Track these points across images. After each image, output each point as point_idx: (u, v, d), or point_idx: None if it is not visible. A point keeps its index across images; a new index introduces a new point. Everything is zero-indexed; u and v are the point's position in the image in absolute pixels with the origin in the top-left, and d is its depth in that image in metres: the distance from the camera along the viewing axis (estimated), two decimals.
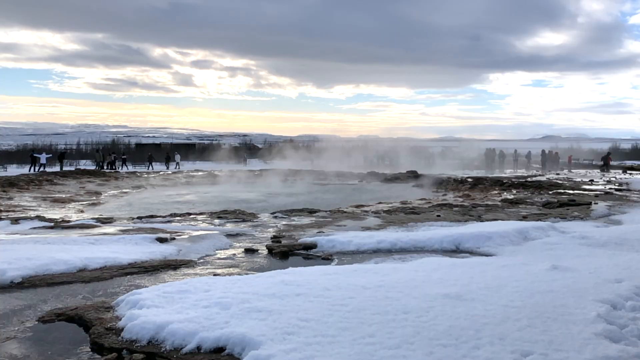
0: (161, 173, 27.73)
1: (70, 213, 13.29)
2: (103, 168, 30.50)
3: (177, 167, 33.85)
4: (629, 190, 17.44)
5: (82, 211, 13.96)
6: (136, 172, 29.64)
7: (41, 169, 27.97)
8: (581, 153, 42.94)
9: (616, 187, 18.48)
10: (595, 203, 13.11)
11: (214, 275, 5.95)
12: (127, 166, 32.93)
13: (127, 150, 43.30)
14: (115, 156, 33.18)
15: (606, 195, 15.46)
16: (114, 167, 31.62)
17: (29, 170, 27.90)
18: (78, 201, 16.26)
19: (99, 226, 9.85)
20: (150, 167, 33.74)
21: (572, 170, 30.49)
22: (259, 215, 11.50)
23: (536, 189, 17.48)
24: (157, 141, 69.01)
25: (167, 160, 35.44)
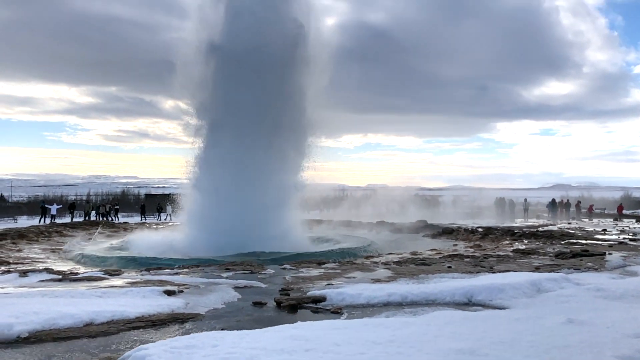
0: (170, 223, 27.81)
1: (79, 265, 13.28)
2: (90, 219, 30.19)
3: (169, 217, 33.51)
4: None
5: None
6: (145, 222, 29.77)
7: (52, 220, 28.17)
8: (592, 202, 42.58)
9: (630, 236, 18.21)
10: (609, 253, 12.88)
11: (222, 329, 5.84)
12: (118, 217, 32.85)
13: (137, 200, 43.55)
14: (109, 206, 33.17)
15: (620, 245, 15.22)
16: (110, 218, 31.50)
17: (39, 221, 28.09)
18: None
19: (107, 278, 9.81)
20: (143, 217, 33.74)
21: (587, 220, 30.12)
22: (266, 267, 11.41)
23: (548, 238, 17.27)
24: (167, 191, 69.53)
25: (159, 210, 35.31)
